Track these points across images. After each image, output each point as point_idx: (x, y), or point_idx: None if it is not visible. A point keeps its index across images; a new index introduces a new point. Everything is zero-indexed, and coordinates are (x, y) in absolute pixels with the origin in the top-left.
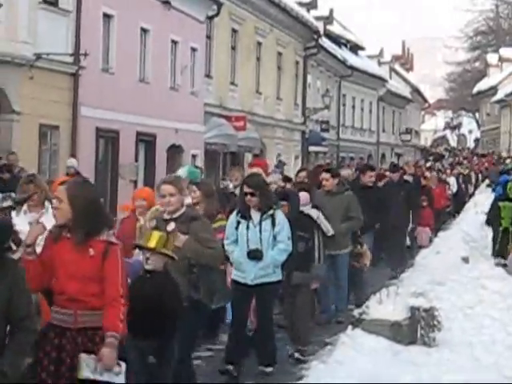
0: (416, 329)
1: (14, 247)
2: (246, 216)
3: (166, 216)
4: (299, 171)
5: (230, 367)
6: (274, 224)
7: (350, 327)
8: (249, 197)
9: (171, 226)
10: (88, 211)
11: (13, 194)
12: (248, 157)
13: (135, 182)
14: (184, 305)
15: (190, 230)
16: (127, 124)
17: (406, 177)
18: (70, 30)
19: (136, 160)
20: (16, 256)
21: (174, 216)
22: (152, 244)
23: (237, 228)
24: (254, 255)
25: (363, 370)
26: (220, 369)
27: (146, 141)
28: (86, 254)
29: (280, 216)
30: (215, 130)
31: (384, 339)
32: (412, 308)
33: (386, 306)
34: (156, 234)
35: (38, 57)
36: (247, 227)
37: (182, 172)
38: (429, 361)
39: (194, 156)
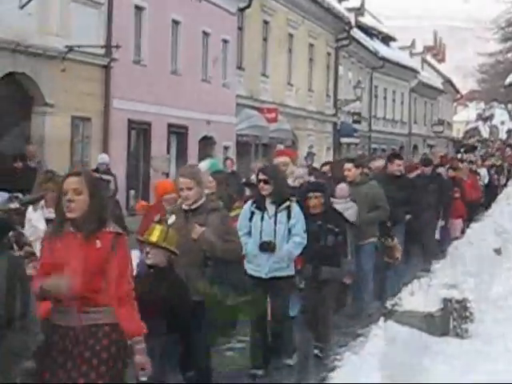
0: (448, 320)
1: (15, 248)
2: (260, 207)
3: (185, 206)
4: (323, 165)
5: (258, 372)
6: (289, 216)
7: (382, 319)
8: (262, 184)
9: (172, 220)
10: (103, 202)
11: (20, 195)
12: (280, 148)
13: (167, 174)
14: (199, 299)
15: (208, 221)
16: (159, 116)
17: (439, 170)
18: (102, 22)
19: (168, 152)
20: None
21: (193, 207)
22: (153, 238)
23: (251, 219)
24: (266, 247)
25: (396, 361)
26: (249, 373)
27: (178, 132)
28: (92, 247)
29: (296, 209)
30: (247, 122)
31: (416, 331)
32: (444, 299)
33: (419, 297)
34: (158, 228)
35: (70, 49)
36: (262, 218)
37: (203, 164)
38: (461, 352)
39: (225, 148)
